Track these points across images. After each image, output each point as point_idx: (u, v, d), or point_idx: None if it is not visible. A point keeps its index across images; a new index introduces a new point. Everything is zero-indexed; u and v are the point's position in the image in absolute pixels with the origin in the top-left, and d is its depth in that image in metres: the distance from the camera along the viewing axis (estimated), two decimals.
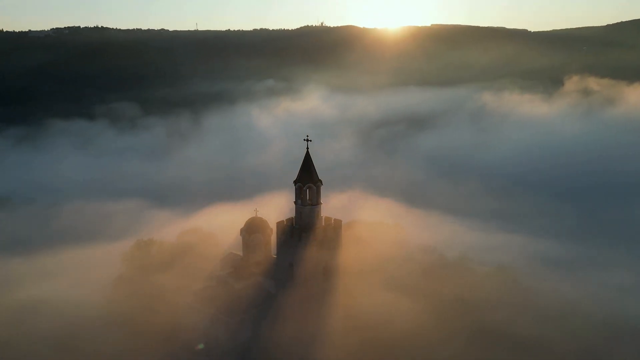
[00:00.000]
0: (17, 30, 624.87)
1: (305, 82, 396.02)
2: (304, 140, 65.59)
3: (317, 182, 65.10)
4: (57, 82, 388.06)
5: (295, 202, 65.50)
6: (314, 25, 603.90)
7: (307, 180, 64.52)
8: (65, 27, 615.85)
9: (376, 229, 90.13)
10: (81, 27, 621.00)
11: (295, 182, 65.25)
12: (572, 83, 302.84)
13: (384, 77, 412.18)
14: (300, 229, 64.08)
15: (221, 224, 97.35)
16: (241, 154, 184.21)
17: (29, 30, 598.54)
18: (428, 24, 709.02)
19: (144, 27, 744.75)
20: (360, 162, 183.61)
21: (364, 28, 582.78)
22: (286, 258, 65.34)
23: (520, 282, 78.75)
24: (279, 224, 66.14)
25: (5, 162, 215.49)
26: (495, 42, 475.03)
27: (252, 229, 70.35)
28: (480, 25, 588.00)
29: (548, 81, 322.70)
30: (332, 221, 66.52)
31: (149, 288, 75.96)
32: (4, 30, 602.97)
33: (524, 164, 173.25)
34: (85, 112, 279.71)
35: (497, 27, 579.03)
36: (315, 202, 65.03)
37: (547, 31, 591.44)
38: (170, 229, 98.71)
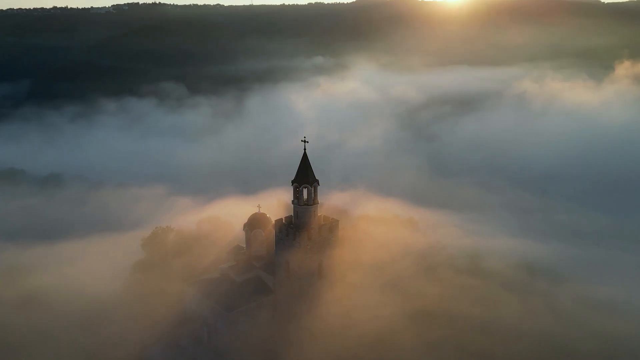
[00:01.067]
0: (80, 7, 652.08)
1: (354, 59, 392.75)
2: (302, 141, 67.17)
3: (314, 183, 66.75)
4: (115, 59, 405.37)
5: (292, 202, 67.62)
6: None
7: (303, 180, 66.29)
8: (125, 4, 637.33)
9: (387, 225, 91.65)
10: (140, 3, 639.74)
11: (292, 182, 67.24)
12: (624, 68, 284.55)
13: (436, 54, 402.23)
14: (296, 228, 66.30)
15: (241, 214, 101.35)
16: (275, 138, 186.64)
17: (91, 7, 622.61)
18: None
19: (200, 3, 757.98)
20: (393, 149, 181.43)
21: (422, 0, 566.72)
22: (283, 255, 67.93)
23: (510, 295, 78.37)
24: (277, 221, 68.60)
25: (60, 138, 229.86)
26: (562, 16, 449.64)
27: (253, 225, 73.34)
28: None
29: (600, 64, 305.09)
30: (329, 221, 68.30)
31: (163, 274, 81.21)
32: (69, 7, 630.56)
33: (568, 156, 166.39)
34: (136, 90, 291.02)
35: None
36: (311, 202, 66.83)
37: (621, 2, 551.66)
38: (193, 216, 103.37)
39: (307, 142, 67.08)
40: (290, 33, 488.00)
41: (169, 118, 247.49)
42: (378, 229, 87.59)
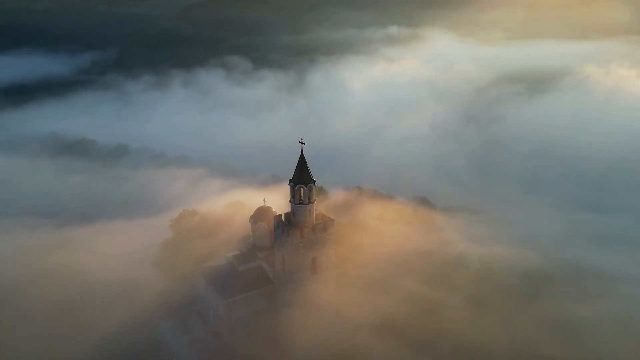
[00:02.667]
0: None
1: (431, 30, 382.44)
2: (299, 142, 70.63)
3: (309, 183, 70.28)
4: (194, 27, 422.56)
5: (289, 200, 71.69)
6: None
7: (299, 181, 70.03)
8: None
9: (400, 224, 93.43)
10: None
11: (289, 181, 71.20)
12: None
13: (521, 26, 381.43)
14: (290, 225, 70.55)
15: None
16: (322, 120, 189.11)
17: None
18: None
19: None
20: (442, 135, 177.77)
21: None
22: (279, 250, 72.67)
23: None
24: (275, 217, 73.22)
25: (133, 108, 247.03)
26: None
27: (258, 218, 78.44)
28: None
29: None
30: (324, 220, 71.84)
31: (184, 255, 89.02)
32: None
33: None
34: (206, 61, 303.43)
35: None
36: (307, 202, 70.58)
37: None
38: (226, 199, 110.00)
39: (304, 143, 70.40)
40: (369, 1, 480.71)
41: (233, 91, 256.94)
42: (388, 228, 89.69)
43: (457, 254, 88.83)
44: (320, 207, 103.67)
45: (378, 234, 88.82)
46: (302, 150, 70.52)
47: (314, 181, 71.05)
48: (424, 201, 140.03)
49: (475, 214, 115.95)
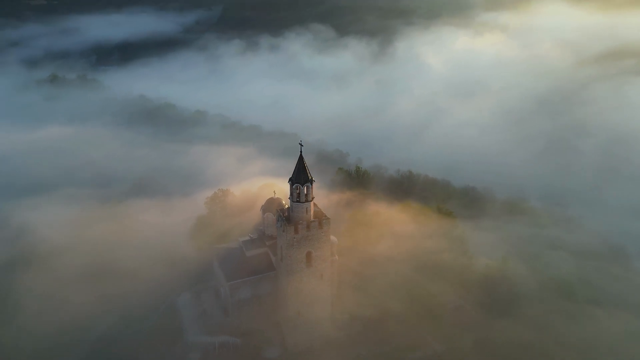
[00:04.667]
0: None
1: None
2: (299, 143, 75.87)
3: (306, 183, 75.63)
4: None
5: (289, 197, 77.73)
6: None
7: (297, 180, 75.64)
8: None
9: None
10: None
11: (289, 180, 77.03)
12: None
13: None
14: (287, 220, 76.86)
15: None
16: (391, 97, 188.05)
17: None
18: None
19: None
20: (514, 121, 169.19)
21: None
22: (279, 241, 79.55)
23: None
24: (277, 211, 79.79)
25: (219, 72, 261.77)
26: None
27: (267, 208, 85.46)
28: None
29: None
30: (321, 218, 77.17)
31: (213, 233, 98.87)
32: None
33: None
34: (293, 27, 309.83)
35: None
36: (303, 200, 76.22)
37: None
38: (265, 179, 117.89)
39: (303, 145, 75.51)
40: None
41: (314, 60, 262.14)
42: (402, 228, 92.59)
43: (468, 259, 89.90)
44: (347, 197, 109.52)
45: (391, 233, 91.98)
46: (300, 152, 75.63)
47: (312, 181, 76.17)
48: (472, 191, 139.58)
49: (516, 213, 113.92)
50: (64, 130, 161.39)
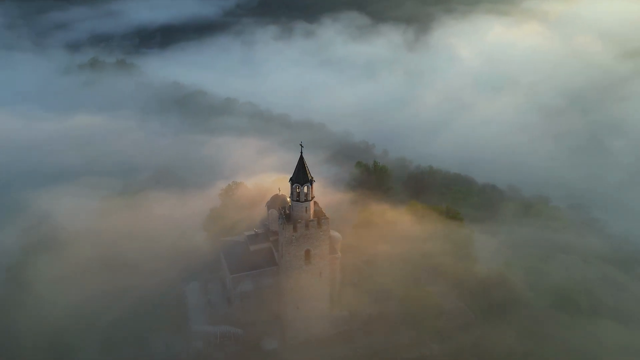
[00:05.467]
0: None
1: None
2: (300, 145, 78.37)
3: (306, 183, 78.17)
4: None
5: (290, 196, 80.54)
6: None
7: (297, 180, 78.26)
8: None
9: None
10: None
11: (289, 179, 79.75)
12: None
13: None
14: (287, 219, 79.79)
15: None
16: (425, 85, 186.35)
17: None
18: None
19: None
20: (546, 119, 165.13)
21: None
22: (280, 238, 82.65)
23: None
24: (279, 209, 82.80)
25: (252, 61, 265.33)
26: None
27: (271, 205, 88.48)
28: None
29: None
30: (320, 217, 79.70)
31: (223, 224, 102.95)
32: None
33: None
34: (328, 13, 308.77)
35: None
36: (303, 199, 78.88)
37: None
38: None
39: (303, 146, 77.96)
40: None
41: (348, 48, 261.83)
42: (410, 228, 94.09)
43: (470, 262, 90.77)
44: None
45: (394, 233, 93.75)
46: (301, 152, 78.13)
47: (312, 181, 78.63)
48: (492, 189, 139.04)
49: (532, 214, 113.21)
50: (92, 120, 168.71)
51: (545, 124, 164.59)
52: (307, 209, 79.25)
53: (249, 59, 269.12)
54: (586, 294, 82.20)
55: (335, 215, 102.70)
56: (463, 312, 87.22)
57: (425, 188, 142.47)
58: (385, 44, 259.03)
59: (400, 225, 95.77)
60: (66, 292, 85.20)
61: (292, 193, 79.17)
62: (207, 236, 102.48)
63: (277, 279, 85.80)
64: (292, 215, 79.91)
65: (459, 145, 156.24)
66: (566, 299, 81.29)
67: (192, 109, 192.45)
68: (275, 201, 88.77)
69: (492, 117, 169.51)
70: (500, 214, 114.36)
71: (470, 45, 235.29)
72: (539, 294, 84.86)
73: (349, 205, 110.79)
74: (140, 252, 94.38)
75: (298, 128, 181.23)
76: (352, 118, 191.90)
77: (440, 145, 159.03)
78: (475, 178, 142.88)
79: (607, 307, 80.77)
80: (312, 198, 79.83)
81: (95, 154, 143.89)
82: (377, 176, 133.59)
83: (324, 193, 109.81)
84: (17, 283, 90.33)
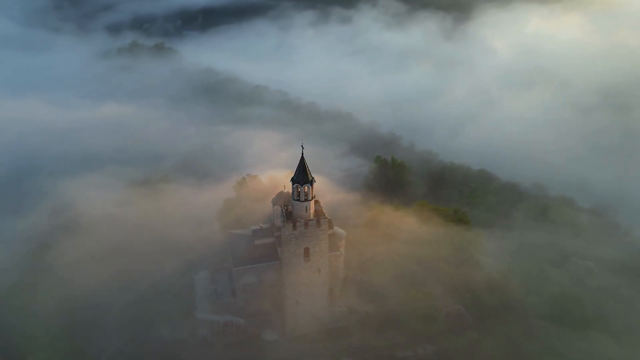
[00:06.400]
0: None
1: None
2: (301, 146, 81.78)
3: (306, 184, 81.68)
4: None
5: (291, 195, 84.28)
6: None
7: (297, 180, 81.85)
8: None
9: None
10: None
11: (291, 179, 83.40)
12: None
13: None
14: (288, 217, 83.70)
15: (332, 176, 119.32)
16: (455, 78, 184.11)
17: None
18: None
19: None
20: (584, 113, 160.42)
21: None
22: (282, 235, 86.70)
23: None
24: (281, 206, 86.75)
25: (287, 47, 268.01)
26: None
27: (276, 201, 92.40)
28: None
29: None
30: (320, 217, 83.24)
31: (235, 215, 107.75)
32: None
33: None
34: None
35: None
36: (303, 199, 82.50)
37: None
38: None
39: (304, 148, 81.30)
40: None
41: (383, 36, 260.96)
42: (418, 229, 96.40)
43: (473, 265, 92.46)
44: None
45: (399, 234, 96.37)
46: (302, 154, 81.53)
47: (312, 181, 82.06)
48: (513, 188, 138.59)
49: (550, 217, 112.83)
50: (122, 109, 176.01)
51: (576, 121, 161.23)
52: (307, 209, 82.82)
53: (284, 45, 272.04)
54: (584, 305, 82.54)
55: (345, 212, 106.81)
56: (460, 315, 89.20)
57: (445, 184, 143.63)
58: (421, 32, 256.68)
59: (405, 226, 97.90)
60: (85, 274, 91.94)
61: (292, 192, 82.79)
62: (220, 227, 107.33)
63: (279, 273, 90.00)
64: (293, 213, 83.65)
65: (486, 141, 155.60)
66: (562, 309, 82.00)
67: (221, 97, 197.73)
68: (279, 198, 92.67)
69: (520, 113, 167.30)
70: (514, 217, 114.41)
71: (506, 37, 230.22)
72: (535, 302, 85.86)
73: (360, 202, 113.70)
74: (157, 240, 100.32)
75: (324, 119, 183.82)
76: (380, 108, 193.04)
77: (467, 139, 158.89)
78: (500, 175, 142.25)
79: (603, 320, 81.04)
80: (313, 198, 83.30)
81: (123, 142, 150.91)
82: (395, 172, 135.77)
83: (336, 190, 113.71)
84: (41, 264, 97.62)
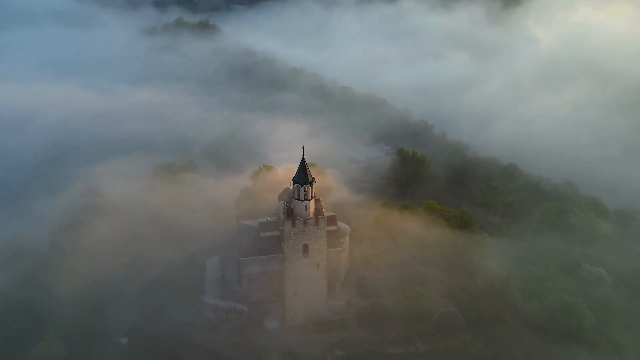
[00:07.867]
0: None
1: None
2: (302, 148, 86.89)
3: (305, 184, 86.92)
4: None
5: (292, 194, 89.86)
6: None
7: (298, 181, 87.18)
8: None
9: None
10: None
11: (292, 179, 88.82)
12: None
13: None
14: (289, 214, 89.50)
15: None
16: (487, 70, 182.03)
17: None
18: None
19: None
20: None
21: None
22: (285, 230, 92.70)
23: None
24: (285, 203, 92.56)
25: (328, 28, 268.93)
26: None
27: (282, 197, 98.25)
28: None
29: None
30: (319, 215, 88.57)
31: (250, 204, 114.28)
32: None
33: None
34: None
35: None
36: (303, 199, 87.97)
37: None
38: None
39: (305, 150, 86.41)
40: None
41: (427, 19, 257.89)
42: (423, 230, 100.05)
43: (473, 269, 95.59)
44: None
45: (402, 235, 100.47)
46: (303, 155, 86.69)
47: (312, 182, 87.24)
48: (536, 186, 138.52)
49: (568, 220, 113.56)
50: (155, 96, 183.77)
51: (610, 119, 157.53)
52: (306, 207, 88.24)
53: (326, 25, 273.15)
54: (575, 318, 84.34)
55: (355, 207, 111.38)
56: (454, 317, 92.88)
57: (467, 179, 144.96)
58: (465, 15, 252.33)
59: (410, 226, 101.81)
60: (106, 257, 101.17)
61: (293, 191, 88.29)
62: (235, 215, 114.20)
63: (282, 265, 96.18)
64: (294, 211, 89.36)
65: (517, 136, 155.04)
66: (551, 320, 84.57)
67: (255, 81, 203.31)
68: (285, 193, 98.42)
69: (555, 109, 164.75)
70: (529, 220, 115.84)
71: (551, 25, 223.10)
72: (530, 309, 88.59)
73: (371, 198, 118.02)
74: (174, 227, 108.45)
75: (357, 104, 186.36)
76: (415, 96, 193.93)
77: (498, 132, 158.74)
78: (527, 171, 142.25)
79: (592, 336, 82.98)
80: (313, 197, 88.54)
81: (153, 128, 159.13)
82: (414, 166, 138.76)
83: (349, 184, 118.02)
84: (68, 243, 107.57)
